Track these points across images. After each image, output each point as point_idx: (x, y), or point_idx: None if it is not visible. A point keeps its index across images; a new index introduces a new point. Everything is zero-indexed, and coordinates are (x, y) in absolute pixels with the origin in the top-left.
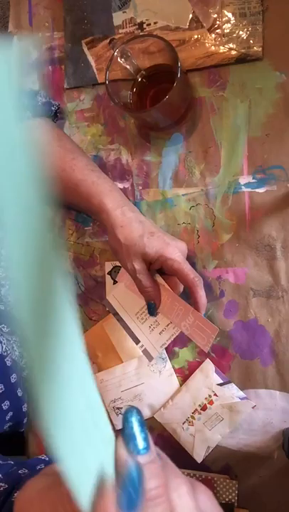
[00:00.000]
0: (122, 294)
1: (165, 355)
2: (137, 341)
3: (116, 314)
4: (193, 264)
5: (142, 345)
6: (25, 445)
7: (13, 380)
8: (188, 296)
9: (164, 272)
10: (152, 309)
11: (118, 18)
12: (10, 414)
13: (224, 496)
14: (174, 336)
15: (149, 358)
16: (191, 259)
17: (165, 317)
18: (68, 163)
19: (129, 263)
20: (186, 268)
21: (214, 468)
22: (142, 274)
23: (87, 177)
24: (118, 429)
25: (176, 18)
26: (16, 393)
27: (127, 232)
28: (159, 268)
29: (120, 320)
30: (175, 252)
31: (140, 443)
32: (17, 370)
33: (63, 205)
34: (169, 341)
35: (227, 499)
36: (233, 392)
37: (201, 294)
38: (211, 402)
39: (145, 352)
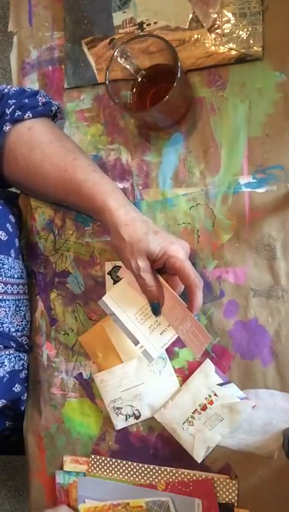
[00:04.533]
0: (120, 295)
1: (165, 355)
2: (136, 342)
3: (113, 315)
4: (193, 264)
5: (142, 346)
6: (25, 445)
7: None
8: (186, 296)
9: (164, 271)
10: (156, 309)
11: (118, 18)
12: None
13: (224, 495)
14: (176, 336)
15: (150, 358)
16: (191, 259)
17: (165, 319)
18: (70, 164)
19: (133, 261)
20: (188, 267)
21: (214, 468)
22: (146, 273)
23: (89, 177)
24: (117, 429)
25: (176, 18)
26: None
27: (131, 230)
28: (161, 267)
29: (117, 321)
30: (179, 250)
31: None
32: (5, 385)
33: (64, 205)
34: (171, 341)
35: (227, 499)
36: (233, 392)
37: (199, 296)
38: (211, 402)
39: (145, 353)
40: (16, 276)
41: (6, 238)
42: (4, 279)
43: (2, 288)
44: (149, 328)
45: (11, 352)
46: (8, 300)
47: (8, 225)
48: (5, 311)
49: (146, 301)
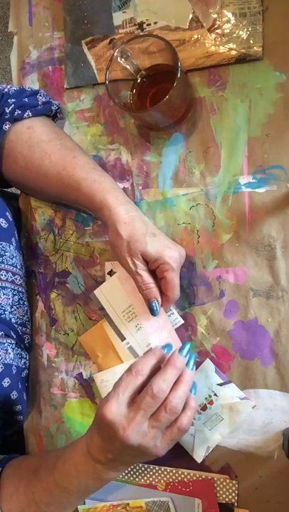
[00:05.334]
0: (110, 290)
1: None
2: (122, 338)
3: (102, 309)
4: (193, 264)
5: (128, 343)
6: (25, 445)
7: (5, 385)
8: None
9: (154, 276)
10: (155, 308)
11: (118, 18)
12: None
13: (224, 496)
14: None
15: (135, 355)
16: (191, 259)
17: (142, 321)
18: (69, 162)
19: (129, 259)
20: (176, 280)
21: (214, 468)
22: (143, 271)
23: (89, 175)
24: None
25: (176, 18)
26: (10, 396)
27: (130, 228)
28: (153, 269)
29: (106, 315)
30: (174, 257)
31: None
32: (11, 374)
33: (64, 204)
34: (155, 342)
35: (227, 499)
36: (233, 392)
37: (168, 307)
38: (211, 402)
39: (131, 349)
40: (18, 266)
41: (6, 226)
42: (6, 266)
43: (4, 275)
44: (135, 326)
45: (13, 342)
46: (9, 288)
47: (7, 213)
48: (6, 298)
49: (134, 299)
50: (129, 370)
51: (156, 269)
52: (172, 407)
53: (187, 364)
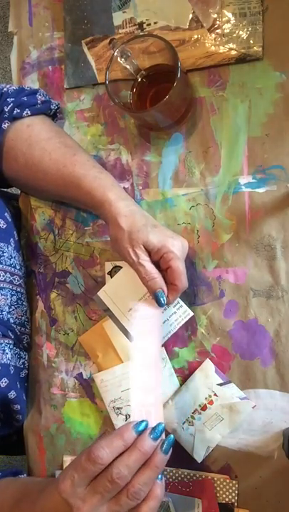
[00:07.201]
0: (114, 290)
1: (165, 355)
2: (130, 338)
3: (107, 310)
4: (193, 264)
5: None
6: (25, 445)
7: (3, 385)
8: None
9: (157, 267)
10: (161, 298)
11: (118, 18)
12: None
13: (224, 495)
14: (169, 335)
15: None
16: (191, 258)
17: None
18: (69, 159)
19: (130, 249)
20: (182, 268)
21: (214, 468)
22: (145, 261)
23: (89, 172)
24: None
25: (176, 18)
26: (7, 396)
27: (130, 220)
28: (156, 260)
29: (112, 316)
30: (177, 245)
31: None
32: (8, 374)
33: (64, 203)
34: (164, 339)
35: (227, 499)
36: (233, 392)
37: (176, 296)
38: (211, 402)
39: None
40: (17, 266)
41: (5, 226)
42: (4, 267)
43: (2, 276)
44: None
45: (10, 342)
46: (7, 289)
47: (6, 214)
48: (5, 298)
49: (139, 297)
50: (88, 454)
51: (159, 260)
52: (134, 493)
53: (162, 447)
